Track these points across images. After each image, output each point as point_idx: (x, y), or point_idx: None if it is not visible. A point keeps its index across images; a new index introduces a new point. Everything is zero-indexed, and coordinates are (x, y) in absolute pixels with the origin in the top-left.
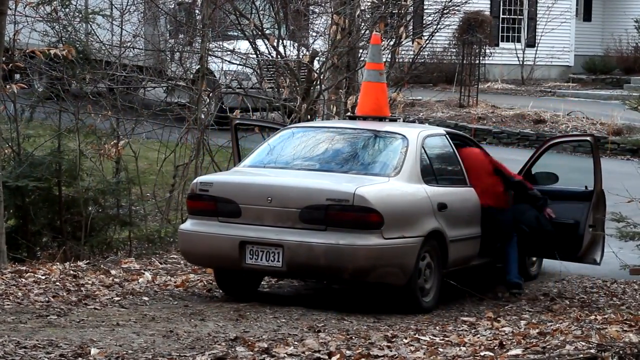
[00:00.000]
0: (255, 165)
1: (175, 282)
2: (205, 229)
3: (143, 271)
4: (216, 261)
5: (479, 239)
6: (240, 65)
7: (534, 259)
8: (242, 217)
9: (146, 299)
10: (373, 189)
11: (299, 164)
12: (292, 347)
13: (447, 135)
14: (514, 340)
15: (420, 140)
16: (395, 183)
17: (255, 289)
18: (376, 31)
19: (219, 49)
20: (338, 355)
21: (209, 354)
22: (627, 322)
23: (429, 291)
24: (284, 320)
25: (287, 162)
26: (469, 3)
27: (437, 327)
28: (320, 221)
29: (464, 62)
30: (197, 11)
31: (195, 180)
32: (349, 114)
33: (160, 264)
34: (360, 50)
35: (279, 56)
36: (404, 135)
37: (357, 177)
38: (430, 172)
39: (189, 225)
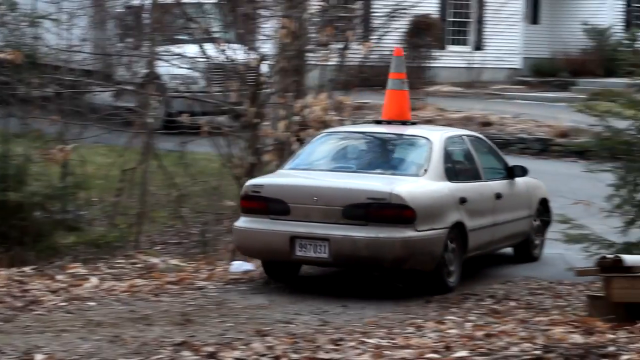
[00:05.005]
0: (297, 168)
1: (121, 287)
2: (258, 225)
3: (89, 276)
4: (269, 254)
5: (493, 227)
6: (188, 69)
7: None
8: (291, 214)
9: (92, 304)
10: (406, 187)
11: (337, 166)
12: (238, 351)
13: (463, 136)
14: (460, 342)
15: (442, 141)
16: (424, 181)
17: (296, 275)
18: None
19: (167, 53)
20: (285, 359)
21: (155, 359)
22: (573, 324)
23: (453, 273)
24: (230, 324)
25: (327, 164)
26: (417, 6)
27: (383, 330)
28: (361, 217)
29: (412, 65)
30: (145, 15)
31: (247, 183)
32: (375, 118)
33: (107, 268)
34: (309, 54)
35: (227, 60)
36: (427, 138)
37: (391, 178)
38: (452, 169)
39: (242, 222)
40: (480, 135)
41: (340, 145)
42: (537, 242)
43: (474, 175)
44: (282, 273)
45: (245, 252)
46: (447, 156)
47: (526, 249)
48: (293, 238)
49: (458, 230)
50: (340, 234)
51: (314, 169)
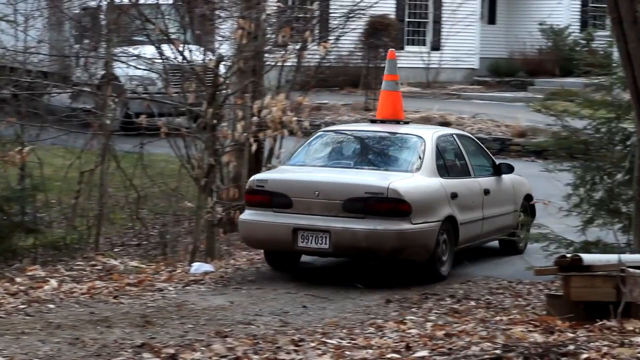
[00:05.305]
0: (298, 164)
1: (81, 289)
2: (262, 218)
3: (48, 278)
4: (272, 245)
5: (481, 221)
6: (145, 70)
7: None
8: (293, 207)
9: (52, 306)
10: (402, 183)
11: (336, 162)
12: (199, 353)
13: (454, 135)
14: (420, 342)
15: (434, 140)
16: (418, 177)
17: (296, 265)
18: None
19: (125, 54)
20: None
21: None
22: (532, 323)
23: (445, 263)
24: (190, 326)
25: (325, 160)
26: (374, 7)
27: (344, 331)
28: (360, 210)
29: (370, 65)
30: (102, 16)
31: (252, 178)
32: (370, 117)
33: (66, 270)
34: (266, 55)
35: (184, 61)
36: (420, 136)
37: (387, 174)
38: (443, 166)
39: (247, 215)
40: (469, 135)
41: (338, 143)
42: (522, 236)
43: (464, 172)
44: (283, 263)
45: (249, 244)
46: (439, 154)
47: (511, 243)
48: (296, 230)
49: (450, 223)
50: (341, 226)
51: (314, 165)
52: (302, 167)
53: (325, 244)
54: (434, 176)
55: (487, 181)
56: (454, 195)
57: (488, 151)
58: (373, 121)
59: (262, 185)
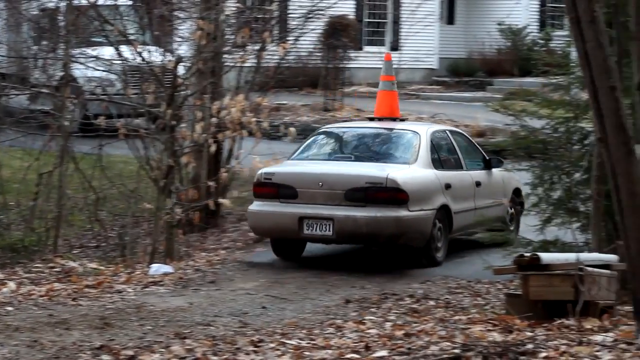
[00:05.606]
0: (303, 158)
1: (39, 292)
2: (270, 208)
3: (6, 281)
4: (279, 233)
5: (474, 211)
6: (104, 71)
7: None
8: (299, 198)
9: (10, 308)
10: (400, 174)
11: (338, 156)
12: (158, 354)
13: (447, 131)
14: (379, 342)
15: (428, 135)
16: (414, 169)
17: (300, 255)
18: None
19: (83, 56)
20: None
21: None
22: (491, 322)
23: (440, 249)
24: (149, 327)
25: (328, 154)
26: (333, 7)
27: (303, 331)
28: (361, 199)
29: (329, 66)
30: (60, 17)
31: (259, 171)
32: (368, 115)
33: (25, 273)
34: (225, 55)
35: (143, 62)
36: (416, 132)
37: (386, 165)
38: (437, 159)
39: (256, 206)
40: (462, 131)
41: (339, 139)
42: (511, 227)
43: (457, 165)
44: (289, 252)
45: (258, 232)
46: (434, 148)
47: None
48: (301, 218)
49: (444, 212)
50: (343, 214)
51: (318, 159)
52: (306, 161)
53: (329, 231)
54: (428, 168)
55: (478, 174)
56: (447, 186)
57: (479, 146)
58: (371, 119)
59: (269, 177)
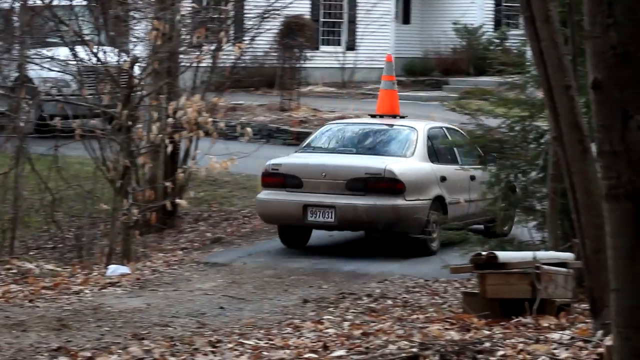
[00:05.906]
0: (309, 151)
1: None
2: (277, 197)
3: None
4: (285, 219)
5: (468, 204)
6: (59, 72)
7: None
8: (304, 187)
9: None
10: (397, 165)
11: (341, 149)
12: (115, 356)
13: (443, 127)
14: (337, 342)
15: (425, 131)
16: (411, 161)
17: (305, 243)
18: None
19: (38, 56)
20: None
21: None
22: (449, 321)
23: (435, 239)
24: (107, 329)
25: (332, 148)
26: (289, 7)
27: (262, 331)
28: (361, 189)
29: (285, 65)
30: (14, 18)
31: (267, 163)
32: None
33: None
34: (181, 55)
35: (99, 62)
36: (413, 128)
37: (385, 158)
38: (433, 153)
39: (263, 195)
40: (457, 128)
41: (342, 133)
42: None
43: (452, 160)
44: (295, 240)
45: (265, 219)
46: (430, 143)
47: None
48: (306, 206)
49: (439, 203)
50: (344, 202)
51: (322, 151)
52: (311, 154)
53: (331, 218)
54: (425, 161)
55: (473, 168)
56: (443, 179)
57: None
58: (373, 116)
59: (276, 168)
